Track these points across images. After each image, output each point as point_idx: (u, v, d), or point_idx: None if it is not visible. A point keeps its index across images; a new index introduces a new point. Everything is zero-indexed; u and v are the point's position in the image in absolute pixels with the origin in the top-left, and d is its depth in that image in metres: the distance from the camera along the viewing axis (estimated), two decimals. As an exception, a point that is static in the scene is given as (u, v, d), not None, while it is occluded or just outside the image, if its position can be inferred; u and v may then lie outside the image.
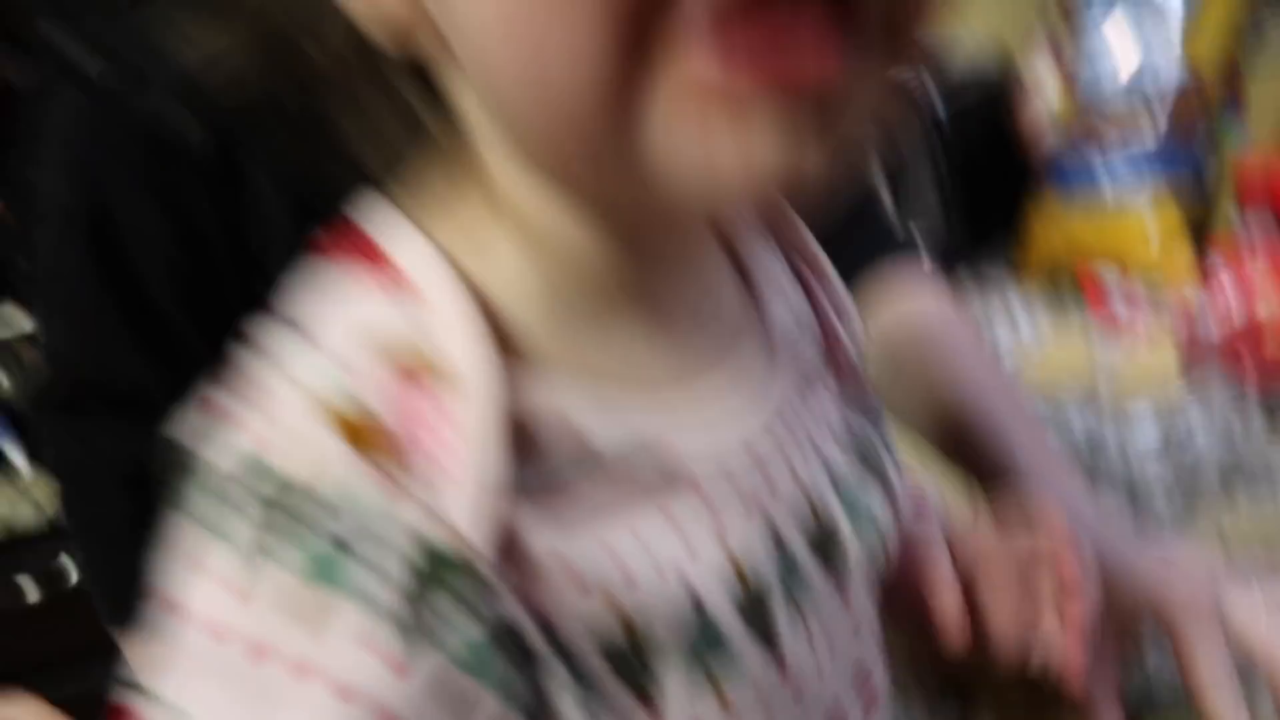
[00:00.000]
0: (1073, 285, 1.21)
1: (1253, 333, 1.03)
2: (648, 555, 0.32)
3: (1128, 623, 0.56)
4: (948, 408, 0.64)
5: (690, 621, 0.32)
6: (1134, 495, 0.85)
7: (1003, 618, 0.48)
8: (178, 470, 0.31)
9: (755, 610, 0.34)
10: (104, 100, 0.60)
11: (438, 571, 0.28)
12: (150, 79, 0.59)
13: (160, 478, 0.37)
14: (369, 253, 0.32)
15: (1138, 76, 1.21)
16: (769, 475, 0.35)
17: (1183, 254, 1.18)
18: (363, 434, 0.29)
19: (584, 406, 0.32)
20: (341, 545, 0.28)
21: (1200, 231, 1.21)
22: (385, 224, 0.33)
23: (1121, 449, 0.95)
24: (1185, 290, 1.14)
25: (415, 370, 0.30)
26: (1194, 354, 1.04)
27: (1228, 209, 1.19)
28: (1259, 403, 0.97)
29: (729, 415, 0.35)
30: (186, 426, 0.31)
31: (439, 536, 0.28)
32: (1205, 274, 1.13)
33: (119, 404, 0.63)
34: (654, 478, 0.33)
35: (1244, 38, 1.20)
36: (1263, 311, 1.04)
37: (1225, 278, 1.08)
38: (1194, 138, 1.21)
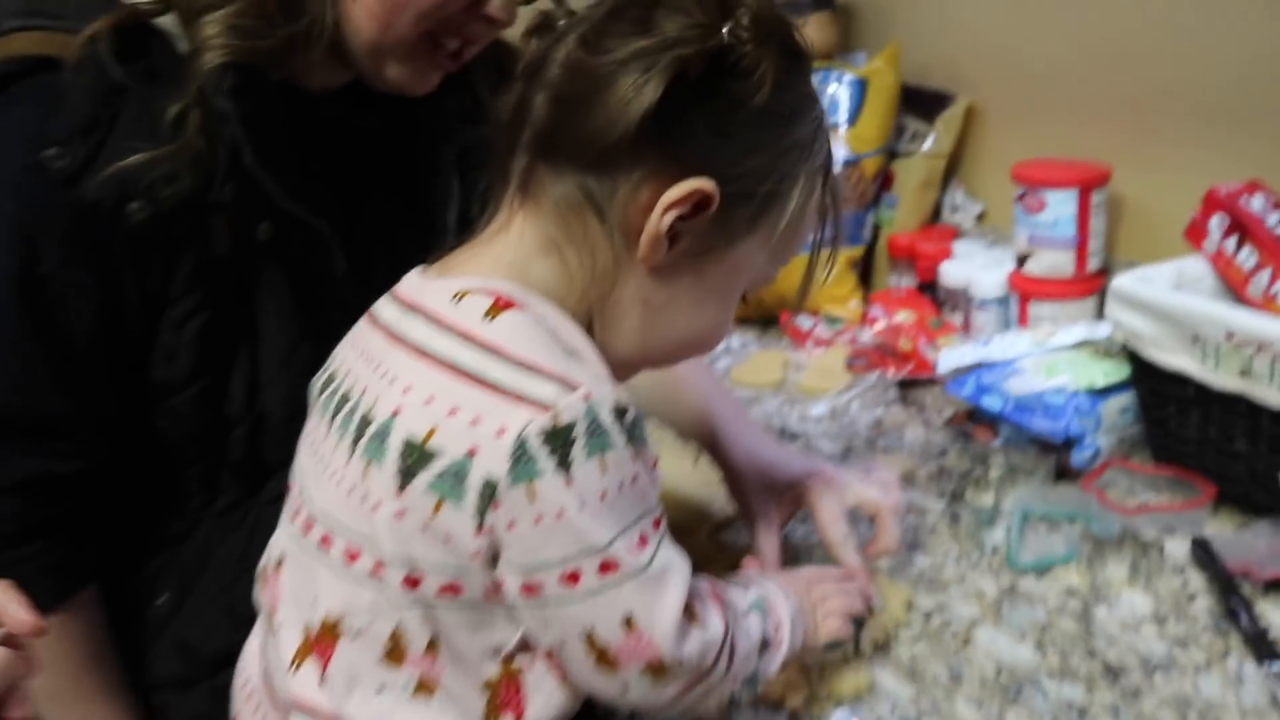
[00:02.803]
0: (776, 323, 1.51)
1: (892, 335, 1.27)
2: None
3: (788, 498, 0.86)
4: (687, 398, 0.93)
5: None
6: (806, 445, 1.21)
7: None
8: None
9: None
10: (45, 178, 0.69)
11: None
12: (100, 164, 0.69)
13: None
14: None
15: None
16: None
17: (848, 284, 1.48)
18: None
19: None
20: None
21: (864, 275, 1.55)
22: None
23: (801, 417, 1.39)
24: (850, 311, 1.46)
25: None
26: (855, 353, 1.29)
27: (884, 266, 1.54)
28: (894, 383, 1.31)
29: None
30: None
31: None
32: (866, 308, 1.46)
33: (32, 431, 0.74)
34: None
35: (891, 131, 1.52)
36: (899, 319, 1.34)
37: (878, 308, 1.40)
38: (861, 202, 1.49)
